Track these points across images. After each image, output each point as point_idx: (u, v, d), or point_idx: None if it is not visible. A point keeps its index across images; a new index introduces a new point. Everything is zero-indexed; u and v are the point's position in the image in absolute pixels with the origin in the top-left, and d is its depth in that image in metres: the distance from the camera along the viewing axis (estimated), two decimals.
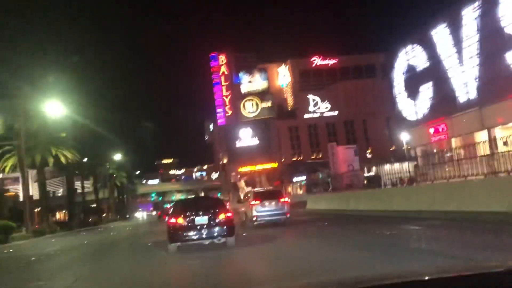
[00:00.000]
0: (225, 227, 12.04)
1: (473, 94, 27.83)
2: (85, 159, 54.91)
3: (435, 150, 28.03)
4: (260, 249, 12.24)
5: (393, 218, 17.84)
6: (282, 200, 19.96)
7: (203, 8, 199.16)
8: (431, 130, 32.44)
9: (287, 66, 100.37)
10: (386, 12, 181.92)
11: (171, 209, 14.68)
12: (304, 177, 68.14)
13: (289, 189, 73.13)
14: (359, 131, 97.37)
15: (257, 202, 19.54)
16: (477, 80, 27.24)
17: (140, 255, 13.72)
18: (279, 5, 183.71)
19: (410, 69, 33.76)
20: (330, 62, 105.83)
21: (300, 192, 68.17)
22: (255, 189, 25.37)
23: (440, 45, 30.19)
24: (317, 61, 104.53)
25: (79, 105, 40.33)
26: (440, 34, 30.05)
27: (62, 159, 38.45)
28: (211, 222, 12.01)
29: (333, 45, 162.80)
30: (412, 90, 33.65)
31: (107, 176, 60.13)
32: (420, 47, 32.50)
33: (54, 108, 34.94)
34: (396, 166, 29.77)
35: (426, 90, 32.37)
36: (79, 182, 52.46)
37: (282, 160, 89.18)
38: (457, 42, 28.44)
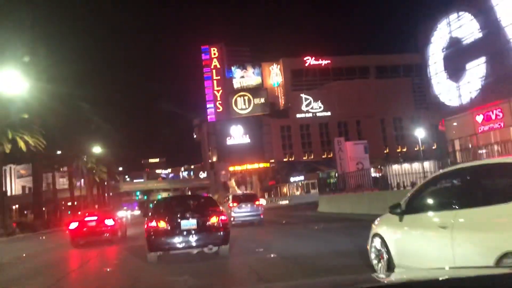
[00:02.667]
0: (218, 233, 9.35)
1: None
2: (59, 152, 46.61)
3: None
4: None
5: None
6: (257, 203, 21.25)
7: (192, 2, 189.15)
8: (479, 118, 25.13)
9: (279, 66, 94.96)
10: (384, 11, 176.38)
11: (152, 209, 10.96)
12: (302, 177, 60.83)
13: (285, 189, 65.84)
14: (353, 132, 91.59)
15: (235, 204, 20.95)
16: None
17: (108, 266, 10.19)
18: (273, 2, 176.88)
19: (454, 43, 26.32)
20: (323, 62, 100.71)
21: (297, 193, 61.06)
22: (233, 194, 27.12)
23: (501, 8, 22.89)
24: (310, 60, 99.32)
25: (53, 86, 32.19)
26: None
27: (22, 146, 30.12)
28: (201, 227, 9.22)
29: (326, 45, 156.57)
30: (455, 69, 26.21)
31: (85, 171, 51.70)
32: (470, 14, 25.14)
33: (15, 81, 26.84)
34: (406, 166, 25.87)
35: (476, 68, 24.96)
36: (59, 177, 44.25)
37: (271, 160, 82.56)
38: None
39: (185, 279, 7.60)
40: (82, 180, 56.04)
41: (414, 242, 5.45)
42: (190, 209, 10.04)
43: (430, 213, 5.28)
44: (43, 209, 41.28)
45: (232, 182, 79.59)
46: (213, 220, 9.36)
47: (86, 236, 15.78)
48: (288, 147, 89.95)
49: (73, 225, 15.96)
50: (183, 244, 9.11)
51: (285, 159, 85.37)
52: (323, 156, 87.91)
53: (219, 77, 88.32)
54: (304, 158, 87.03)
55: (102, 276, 9.09)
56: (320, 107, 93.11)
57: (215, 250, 9.44)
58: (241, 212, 20.59)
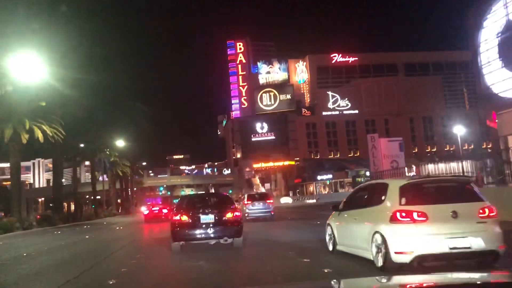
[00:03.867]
0: (232, 226, 10.57)
1: None
2: (81, 145, 44.93)
3: None
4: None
5: None
6: (268, 201, 23.40)
7: None
8: None
9: (305, 62, 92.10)
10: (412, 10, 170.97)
11: (176, 205, 12.34)
12: (330, 176, 57.84)
13: (311, 188, 62.94)
14: (381, 131, 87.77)
15: (249, 202, 23.37)
16: None
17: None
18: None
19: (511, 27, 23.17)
20: (350, 59, 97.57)
21: (324, 192, 58.08)
22: (248, 193, 30.70)
23: None
24: (337, 57, 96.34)
25: (76, 74, 30.19)
26: None
27: (40, 136, 28.21)
28: (218, 221, 10.45)
29: (353, 42, 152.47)
30: None
31: (108, 164, 49.96)
32: None
33: (32, 66, 24.96)
34: (442, 166, 24.05)
35: None
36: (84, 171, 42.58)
37: (296, 158, 79.80)
38: None
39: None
40: (105, 175, 54.52)
41: (345, 228, 8.55)
42: (209, 205, 11.30)
43: (351, 211, 8.37)
44: (63, 203, 39.53)
45: (257, 179, 77.09)
46: (229, 215, 10.56)
47: (152, 218, 27.88)
48: (313, 145, 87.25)
49: (145, 211, 29.56)
50: (202, 235, 10.34)
51: (311, 157, 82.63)
52: (349, 155, 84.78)
53: (244, 73, 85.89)
54: (330, 156, 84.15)
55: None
56: (347, 105, 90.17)
57: (230, 242, 10.58)
58: (254, 209, 23.08)
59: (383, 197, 7.21)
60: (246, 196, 25.83)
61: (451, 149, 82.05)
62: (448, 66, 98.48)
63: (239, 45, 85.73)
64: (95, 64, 34.30)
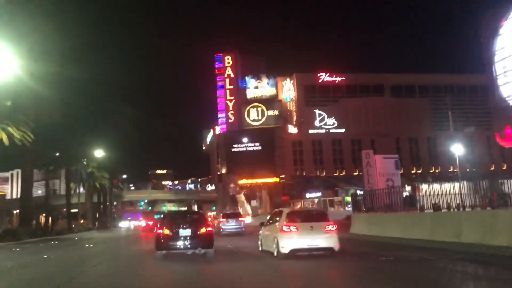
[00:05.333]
0: (206, 240, 12.57)
1: None
2: (57, 154, 41.19)
3: None
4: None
5: None
6: (240, 219, 27.70)
7: (207, 9, 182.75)
8: None
9: (292, 81, 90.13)
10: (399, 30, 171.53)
11: (159, 220, 14.69)
12: (319, 194, 54.85)
13: (299, 206, 59.79)
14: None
15: (224, 219, 27.62)
16: None
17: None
18: (287, 17, 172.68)
19: None
20: (337, 79, 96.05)
21: None
22: (223, 212, 35.78)
23: None
24: (324, 76, 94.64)
25: (48, 74, 26.87)
26: None
27: (4, 139, 24.65)
28: (194, 235, 12.44)
29: (340, 62, 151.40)
30: None
31: (84, 175, 46.10)
32: None
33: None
34: (436, 186, 22.41)
35: None
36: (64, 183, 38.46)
37: (282, 176, 76.89)
38: None
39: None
40: (82, 187, 50.62)
41: (265, 236, 13.72)
42: (187, 221, 13.07)
43: (267, 227, 13.82)
44: (32, 216, 35.55)
45: (242, 196, 73.72)
46: (203, 230, 12.69)
47: (147, 228, 35.70)
48: (299, 163, 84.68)
49: (144, 224, 39.82)
50: (181, 246, 12.46)
51: (296, 174, 79.88)
52: (335, 174, 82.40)
53: (232, 87, 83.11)
54: (315, 174, 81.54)
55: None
56: (333, 124, 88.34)
57: (204, 252, 12.69)
58: (228, 225, 26.67)
59: (278, 218, 12.80)
60: (221, 214, 30.50)
61: (451, 169, 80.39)
62: (434, 89, 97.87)
63: (227, 58, 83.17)
64: (75, 63, 30.95)
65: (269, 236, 12.98)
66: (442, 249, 13.03)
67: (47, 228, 36.22)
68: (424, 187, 23.60)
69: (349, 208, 50.07)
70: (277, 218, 12.79)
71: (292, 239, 11.54)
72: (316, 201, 55.64)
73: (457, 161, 39.83)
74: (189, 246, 12.28)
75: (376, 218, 22.83)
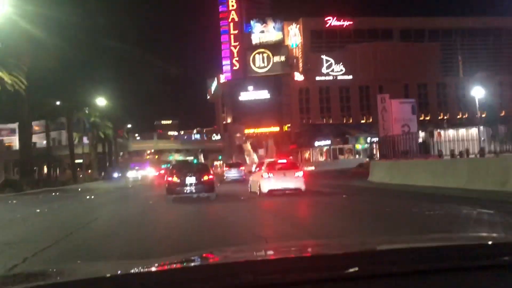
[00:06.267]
0: (208, 185, 14.74)
1: None
2: (57, 102, 39.13)
3: None
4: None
5: None
6: (240, 168, 31.22)
7: None
8: None
9: (298, 25, 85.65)
10: None
11: (169, 169, 17.65)
12: (328, 141, 52.95)
13: (307, 155, 58.13)
14: (375, 98, 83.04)
15: (227, 168, 31.96)
16: None
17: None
18: None
19: None
20: (345, 23, 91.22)
21: (321, 159, 53.33)
22: (226, 162, 43.28)
23: None
24: (331, 21, 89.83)
25: (44, 12, 24.22)
26: None
27: None
28: (198, 181, 14.57)
29: (347, 5, 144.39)
30: None
31: (87, 124, 44.25)
32: None
33: None
34: (451, 132, 22.57)
35: None
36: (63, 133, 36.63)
37: (288, 125, 74.81)
38: None
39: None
40: (85, 137, 48.98)
41: (252, 181, 17.59)
42: (192, 170, 15.36)
43: (253, 174, 18.45)
44: (34, 166, 34.06)
45: (248, 145, 72.13)
46: (205, 178, 14.79)
47: (160, 176, 34.96)
48: (305, 111, 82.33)
49: (160, 172, 44.88)
50: (187, 191, 14.56)
51: (303, 123, 77.82)
52: (343, 122, 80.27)
53: (236, 31, 79.24)
54: (322, 122, 79.49)
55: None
56: (341, 70, 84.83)
57: (207, 195, 14.70)
58: (230, 173, 30.31)
59: (263, 167, 16.48)
60: (224, 164, 35.68)
61: (464, 116, 78.11)
62: (444, 33, 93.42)
63: (232, 1, 78.72)
64: (73, 4, 28.17)
65: (255, 181, 16.78)
66: (492, 200, 11.16)
67: (51, 179, 34.81)
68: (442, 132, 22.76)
69: (359, 156, 48.60)
70: (261, 168, 16.59)
71: (270, 182, 15.38)
72: (325, 149, 53.92)
73: (477, 106, 37.50)
74: (194, 191, 14.43)
75: (400, 165, 20.96)
